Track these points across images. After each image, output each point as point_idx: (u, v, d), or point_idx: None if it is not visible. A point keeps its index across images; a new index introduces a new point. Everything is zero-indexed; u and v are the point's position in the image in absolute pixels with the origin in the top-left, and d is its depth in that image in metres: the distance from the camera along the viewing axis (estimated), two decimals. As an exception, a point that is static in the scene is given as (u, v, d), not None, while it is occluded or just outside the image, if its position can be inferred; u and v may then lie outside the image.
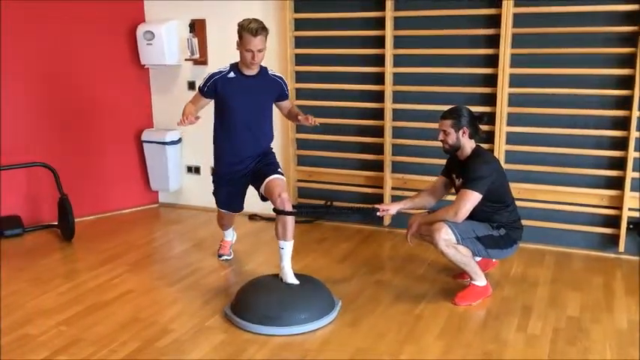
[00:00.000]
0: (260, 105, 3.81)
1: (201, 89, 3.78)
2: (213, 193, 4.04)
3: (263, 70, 3.77)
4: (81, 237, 4.88)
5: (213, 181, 4.00)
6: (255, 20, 3.56)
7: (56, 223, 5.05)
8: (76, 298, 3.77)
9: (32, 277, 4.12)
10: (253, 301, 3.42)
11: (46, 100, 5.16)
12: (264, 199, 3.82)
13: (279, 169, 3.81)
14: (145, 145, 5.67)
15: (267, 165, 3.80)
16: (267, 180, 3.70)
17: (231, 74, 3.72)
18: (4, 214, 5.06)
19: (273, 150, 3.97)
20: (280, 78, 3.86)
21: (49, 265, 4.35)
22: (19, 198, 5.15)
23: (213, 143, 3.89)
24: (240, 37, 3.57)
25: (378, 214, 3.82)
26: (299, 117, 3.79)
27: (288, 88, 3.93)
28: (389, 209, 3.86)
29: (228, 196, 3.98)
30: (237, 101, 3.72)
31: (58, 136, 5.26)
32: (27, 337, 3.29)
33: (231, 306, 3.52)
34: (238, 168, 3.84)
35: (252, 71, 3.70)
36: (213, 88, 3.72)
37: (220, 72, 3.73)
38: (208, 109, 3.88)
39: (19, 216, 5.08)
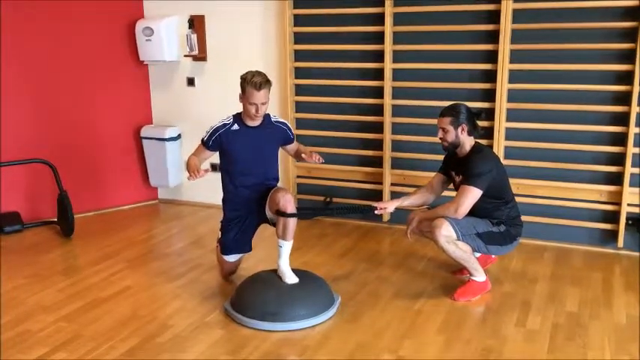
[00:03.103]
0: (266, 154, 3.77)
1: (205, 143, 3.72)
2: (219, 241, 3.93)
3: (266, 118, 3.72)
4: (80, 233, 4.88)
5: (221, 229, 3.90)
6: (259, 73, 3.53)
7: (56, 220, 5.05)
8: (76, 295, 3.78)
9: (32, 274, 4.12)
10: (253, 297, 3.43)
11: (45, 96, 5.16)
12: (274, 224, 3.73)
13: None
14: (144, 141, 5.67)
15: (269, 188, 3.76)
16: (270, 194, 3.67)
17: (235, 126, 3.68)
18: (3, 210, 5.07)
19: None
20: (284, 124, 3.83)
21: (49, 262, 4.36)
22: (19, 194, 5.15)
23: (222, 187, 3.84)
24: (243, 90, 3.53)
25: (375, 212, 3.82)
26: (302, 155, 3.81)
27: (293, 132, 3.91)
28: (387, 207, 3.85)
29: (238, 237, 3.84)
30: (243, 153, 3.69)
31: (57, 133, 5.25)
32: (27, 333, 3.29)
33: (231, 302, 3.52)
34: (247, 210, 3.79)
35: (255, 122, 3.67)
36: (218, 141, 3.68)
37: (224, 125, 3.68)
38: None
39: (18, 212, 5.08)
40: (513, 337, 3.19)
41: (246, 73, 3.56)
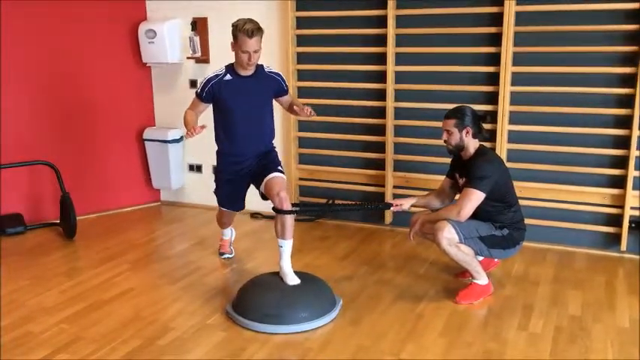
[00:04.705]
0: (259, 104, 3.78)
1: (199, 95, 3.73)
2: (215, 192, 4.03)
3: (259, 68, 3.72)
4: (83, 235, 4.89)
5: (215, 180, 3.99)
6: (251, 21, 3.51)
7: (58, 222, 5.06)
8: (78, 296, 3.78)
9: (34, 275, 4.12)
10: (254, 300, 3.42)
11: (48, 98, 5.17)
12: (264, 197, 3.81)
13: (280, 167, 3.79)
14: (146, 143, 5.68)
15: (267, 163, 3.78)
16: (267, 178, 3.69)
17: (228, 76, 3.68)
18: (6, 212, 5.07)
19: (275, 148, 3.96)
20: (277, 74, 3.82)
21: (51, 263, 4.36)
22: (22, 196, 5.16)
23: (216, 142, 3.88)
24: (235, 38, 3.51)
25: (392, 209, 3.90)
26: (295, 108, 3.77)
27: (287, 83, 3.90)
28: (402, 204, 3.87)
29: (230, 195, 3.97)
30: (236, 103, 3.69)
31: (60, 135, 5.26)
32: (28, 335, 3.29)
33: (233, 304, 3.52)
34: (240, 167, 3.83)
35: (248, 72, 3.67)
36: (211, 92, 3.69)
37: (216, 75, 3.69)
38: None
39: (21, 214, 5.08)
40: (515, 341, 3.18)
41: (238, 20, 3.53)
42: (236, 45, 3.54)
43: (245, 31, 3.45)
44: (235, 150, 3.80)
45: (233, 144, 3.78)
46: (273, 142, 3.94)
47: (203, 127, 3.51)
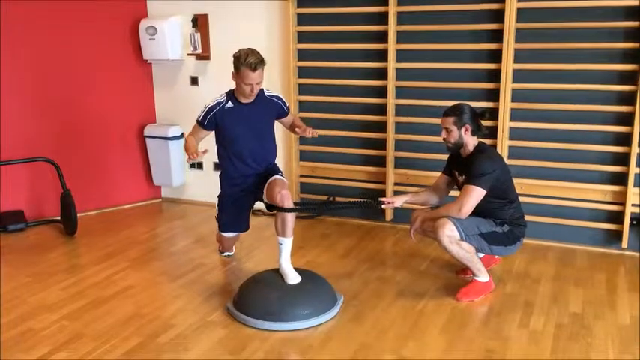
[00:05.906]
0: (261, 129, 3.77)
1: (200, 122, 3.72)
2: (217, 218, 4.02)
3: (260, 92, 3.70)
4: (83, 232, 4.89)
5: (218, 205, 3.95)
6: (253, 53, 3.48)
7: (59, 218, 5.06)
8: (79, 293, 3.78)
9: (35, 272, 4.12)
10: (255, 297, 3.42)
11: (49, 95, 5.17)
12: (269, 208, 3.78)
13: (280, 172, 3.81)
14: (147, 140, 5.68)
15: (268, 172, 3.78)
16: (268, 181, 3.69)
17: (229, 104, 3.67)
18: (7, 209, 5.07)
19: (277, 164, 3.95)
20: (278, 97, 3.83)
21: (52, 260, 4.36)
22: (22, 193, 5.16)
23: (218, 160, 3.87)
24: (237, 69, 3.50)
25: (383, 206, 3.84)
26: (296, 129, 3.80)
27: (288, 105, 3.90)
28: (394, 202, 3.85)
29: (234, 216, 3.92)
30: (238, 130, 3.69)
31: (60, 131, 5.26)
32: (29, 331, 3.29)
33: (233, 301, 3.52)
34: (243, 187, 3.82)
35: (249, 99, 3.66)
36: (213, 120, 3.68)
37: (218, 103, 3.68)
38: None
39: (22, 211, 5.09)
40: (516, 338, 3.18)
41: (239, 51, 3.52)
42: (238, 76, 3.53)
43: (248, 64, 3.44)
44: (238, 172, 3.80)
45: (236, 167, 3.78)
46: (275, 160, 3.93)
47: (205, 151, 3.51)
